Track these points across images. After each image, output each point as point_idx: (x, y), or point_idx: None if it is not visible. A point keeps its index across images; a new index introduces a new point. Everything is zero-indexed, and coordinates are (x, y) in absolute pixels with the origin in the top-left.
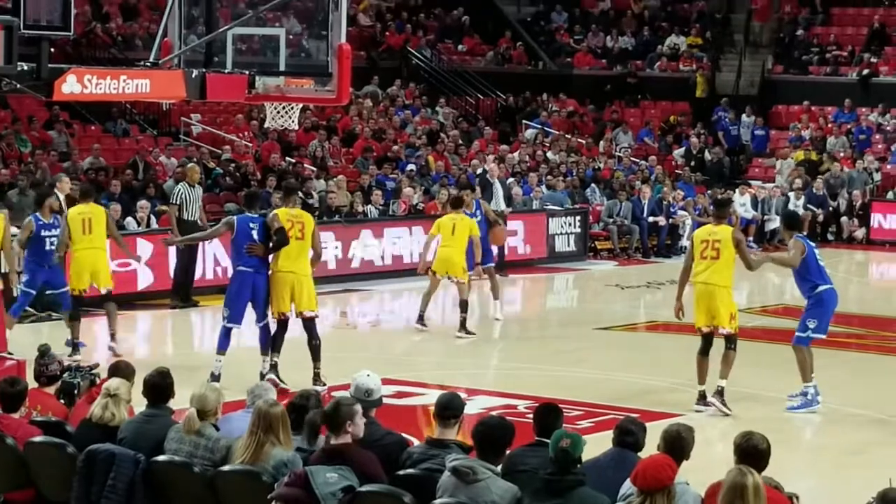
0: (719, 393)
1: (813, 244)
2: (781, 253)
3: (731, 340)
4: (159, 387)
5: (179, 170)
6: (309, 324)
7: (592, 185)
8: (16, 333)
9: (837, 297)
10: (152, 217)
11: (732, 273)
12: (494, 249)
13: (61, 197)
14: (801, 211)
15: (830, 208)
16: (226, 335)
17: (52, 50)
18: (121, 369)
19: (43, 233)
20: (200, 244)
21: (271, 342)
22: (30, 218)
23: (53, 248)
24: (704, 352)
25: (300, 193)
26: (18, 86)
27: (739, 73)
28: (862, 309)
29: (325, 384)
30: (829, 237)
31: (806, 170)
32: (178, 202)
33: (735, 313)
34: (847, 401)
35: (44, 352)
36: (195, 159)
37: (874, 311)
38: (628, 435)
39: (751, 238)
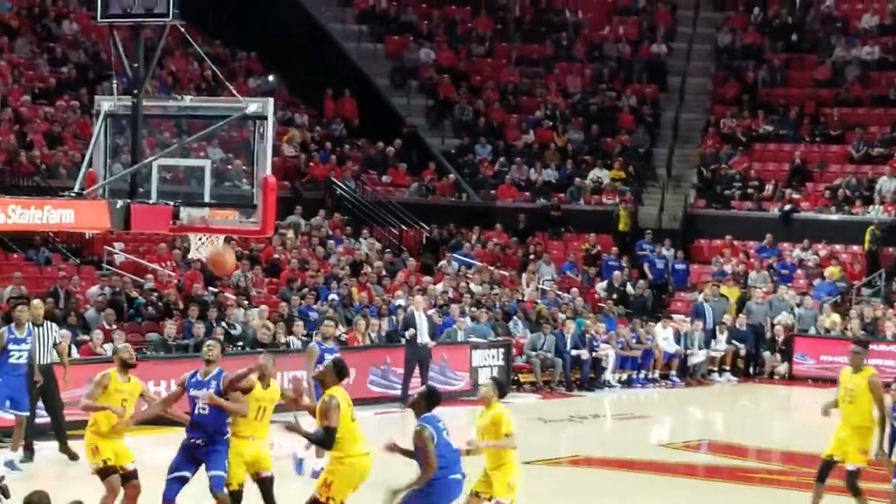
0: None
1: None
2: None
3: None
4: None
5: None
6: None
7: (515, 317)
8: None
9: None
10: (73, 347)
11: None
12: None
13: None
14: (723, 346)
15: (752, 345)
16: None
17: None
18: (34, 503)
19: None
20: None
21: None
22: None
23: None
24: None
25: None
26: None
27: (662, 207)
28: (784, 445)
29: None
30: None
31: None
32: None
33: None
34: None
35: None
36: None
37: (797, 447)
38: None
39: (674, 372)
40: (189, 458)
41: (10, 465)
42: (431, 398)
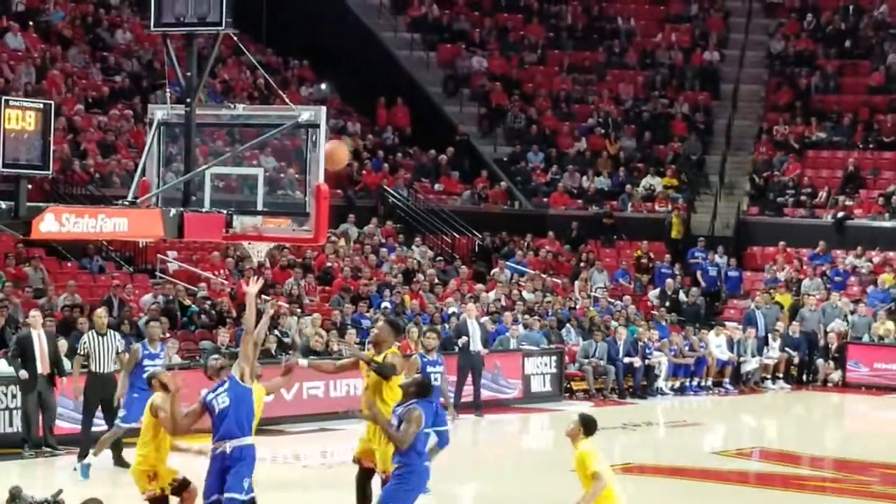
0: None
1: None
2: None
3: None
4: None
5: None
6: None
7: (567, 325)
8: None
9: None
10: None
11: None
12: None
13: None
14: (776, 353)
15: (806, 352)
16: None
17: (30, 187)
18: None
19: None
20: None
21: None
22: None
23: None
24: None
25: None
26: None
27: (715, 214)
28: (837, 453)
29: None
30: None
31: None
32: (84, 352)
33: None
34: None
35: (15, 494)
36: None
37: (850, 455)
38: None
39: (727, 379)
40: (219, 476)
41: (84, 469)
42: (423, 388)
